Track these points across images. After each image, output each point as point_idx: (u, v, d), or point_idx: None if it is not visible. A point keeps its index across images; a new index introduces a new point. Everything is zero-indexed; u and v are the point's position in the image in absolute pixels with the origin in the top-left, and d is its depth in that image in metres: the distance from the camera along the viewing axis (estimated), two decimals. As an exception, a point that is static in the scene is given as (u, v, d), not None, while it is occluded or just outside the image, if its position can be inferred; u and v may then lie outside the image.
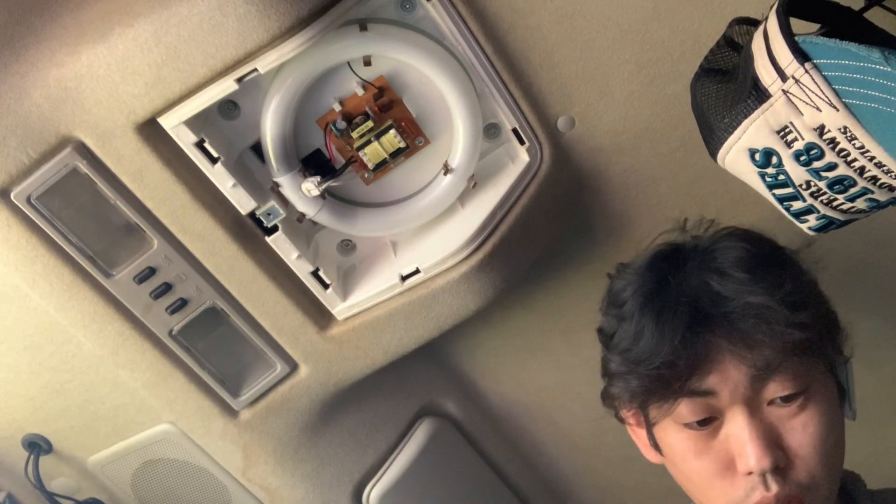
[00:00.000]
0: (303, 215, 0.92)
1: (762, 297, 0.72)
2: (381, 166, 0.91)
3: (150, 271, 0.89)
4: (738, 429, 0.72)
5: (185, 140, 0.82)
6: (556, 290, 1.15)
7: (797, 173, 0.65)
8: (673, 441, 0.76)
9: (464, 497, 1.24)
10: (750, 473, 0.71)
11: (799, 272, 0.76)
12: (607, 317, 0.81)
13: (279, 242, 0.91)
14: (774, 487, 0.71)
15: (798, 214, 0.70)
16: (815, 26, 0.70)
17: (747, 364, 0.72)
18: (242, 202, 0.88)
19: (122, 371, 0.95)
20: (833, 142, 0.61)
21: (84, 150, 0.81)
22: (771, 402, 0.72)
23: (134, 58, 0.76)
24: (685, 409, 0.73)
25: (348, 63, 0.85)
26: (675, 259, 0.79)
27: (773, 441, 0.72)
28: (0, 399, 1.00)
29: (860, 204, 0.66)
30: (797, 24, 0.63)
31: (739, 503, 0.72)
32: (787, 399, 0.72)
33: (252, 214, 0.89)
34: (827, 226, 0.70)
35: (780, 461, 0.71)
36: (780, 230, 1.01)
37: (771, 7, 0.64)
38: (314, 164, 0.91)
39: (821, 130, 0.61)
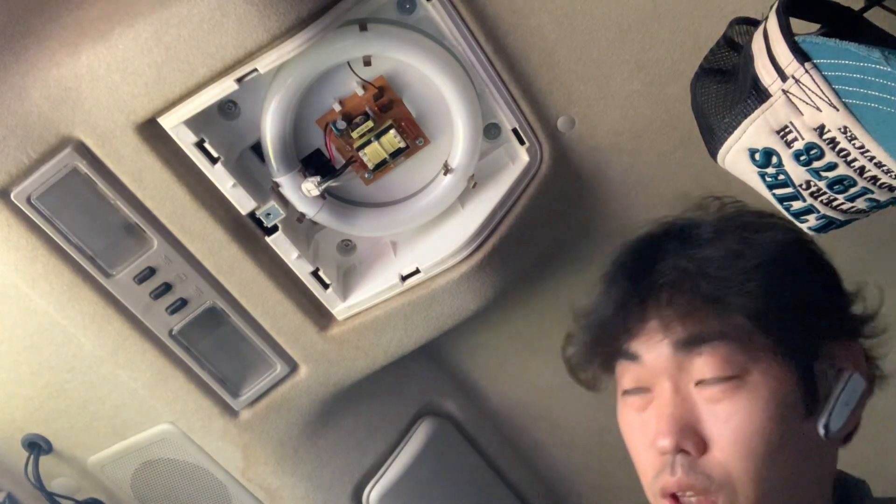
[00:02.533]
0: (303, 215, 0.92)
1: (696, 264, 0.68)
2: (381, 166, 0.91)
3: (150, 271, 0.89)
4: (656, 404, 0.69)
5: (185, 140, 0.82)
6: (556, 290, 1.15)
7: (797, 173, 0.65)
8: (619, 411, 0.75)
9: (464, 497, 1.24)
10: (664, 453, 0.67)
11: (779, 250, 0.68)
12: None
13: (279, 242, 0.91)
14: (678, 472, 0.66)
15: (798, 214, 0.70)
16: (815, 26, 0.70)
17: (669, 335, 0.68)
18: (242, 202, 0.88)
19: (122, 371, 0.95)
20: (833, 141, 0.61)
21: (84, 150, 0.81)
22: (700, 383, 0.67)
23: (134, 58, 0.76)
24: (621, 374, 0.73)
25: (348, 63, 0.85)
26: (662, 236, 0.75)
27: (686, 424, 0.67)
28: (0, 399, 1.00)
29: (860, 204, 0.66)
30: (797, 24, 0.63)
31: (652, 482, 0.69)
32: (716, 382, 0.67)
33: (252, 214, 0.89)
34: (827, 226, 0.70)
35: (687, 446, 0.66)
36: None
37: (771, 7, 0.64)
38: (314, 164, 0.91)
39: (821, 130, 0.61)
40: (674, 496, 0.67)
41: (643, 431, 0.70)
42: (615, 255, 0.77)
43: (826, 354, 0.70)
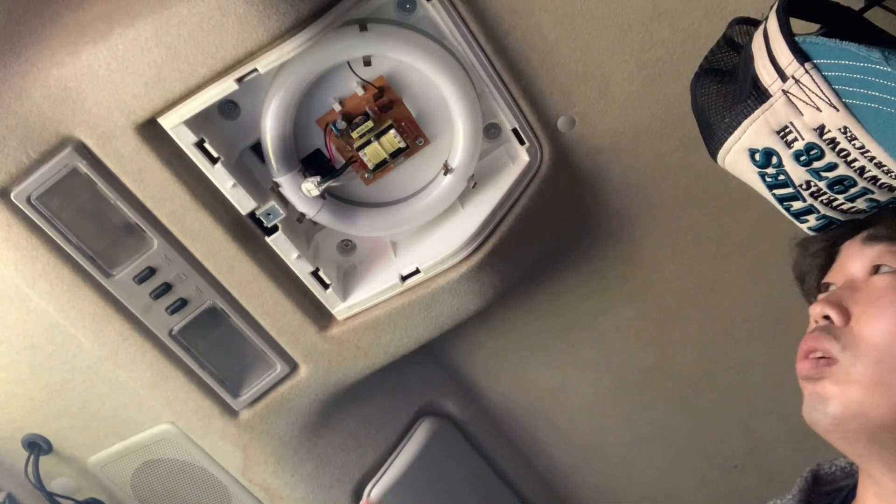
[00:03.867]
0: (303, 215, 0.92)
1: None
2: (381, 166, 0.91)
3: (150, 271, 0.89)
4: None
5: (185, 140, 0.82)
6: (556, 290, 1.15)
7: (797, 173, 0.65)
8: None
9: (464, 497, 1.24)
10: (813, 319, 0.74)
11: None
12: None
13: (279, 242, 0.91)
14: (815, 332, 0.71)
15: (798, 214, 0.70)
16: (815, 26, 0.70)
17: (863, 235, 0.74)
18: (242, 202, 0.88)
19: (122, 371, 0.95)
20: (833, 142, 0.61)
21: (84, 150, 0.81)
22: (868, 278, 0.73)
23: (134, 58, 0.76)
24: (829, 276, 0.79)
25: (348, 63, 0.85)
26: None
27: (838, 299, 0.72)
28: (0, 399, 1.00)
29: (860, 204, 0.66)
30: (797, 24, 0.63)
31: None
32: (878, 273, 0.72)
33: (252, 214, 0.89)
34: (827, 226, 0.70)
35: (830, 312, 0.71)
36: (781, 230, 1.01)
37: (771, 7, 0.64)
38: (314, 164, 0.91)
39: (821, 130, 0.61)
40: (806, 354, 0.71)
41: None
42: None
43: None
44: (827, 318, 0.72)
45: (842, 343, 0.70)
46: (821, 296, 0.76)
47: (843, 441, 0.71)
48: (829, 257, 0.81)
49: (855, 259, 0.76)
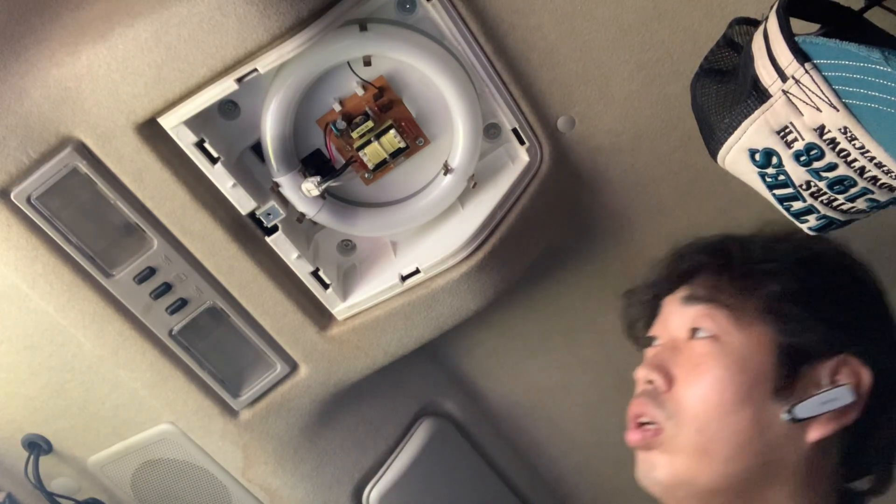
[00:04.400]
0: (303, 215, 0.92)
1: (759, 248, 0.81)
2: (381, 166, 0.91)
3: (150, 271, 0.89)
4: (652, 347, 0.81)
5: (185, 140, 0.82)
6: (556, 290, 1.15)
7: (797, 173, 0.65)
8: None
9: (464, 497, 1.24)
10: (637, 382, 0.79)
11: (817, 272, 0.80)
12: None
13: (279, 242, 0.91)
14: (641, 398, 0.76)
15: (798, 214, 0.70)
16: (815, 26, 0.70)
17: (682, 293, 0.81)
18: (242, 202, 0.88)
19: (122, 371, 0.95)
20: (833, 142, 0.61)
21: (84, 150, 0.81)
22: (687, 339, 0.78)
23: (134, 58, 0.76)
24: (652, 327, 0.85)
25: (348, 63, 0.85)
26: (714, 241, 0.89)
27: (661, 362, 0.77)
28: (0, 399, 1.00)
29: (860, 204, 0.66)
30: (797, 24, 0.63)
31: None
32: (697, 336, 0.76)
33: (252, 214, 0.89)
34: (827, 226, 0.70)
35: (654, 378, 0.76)
36: (780, 230, 1.01)
37: (771, 7, 0.64)
38: (314, 164, 0.91)
39: (821, 131, 0.61)
40: (636, 421, 0.76)
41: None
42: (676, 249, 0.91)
43: (829, 366, 0.75)
44: (651, 381, 0.76)
45: (667, 411, 0.74)
46: (646, 355, 0.80)
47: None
48: (653, 309, 0.87)
49: (675, 317, 0.80)
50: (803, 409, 0.73)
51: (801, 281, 0.78)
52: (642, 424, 0.76)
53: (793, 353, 0.75)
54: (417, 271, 0.94)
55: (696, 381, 0.74)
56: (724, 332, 0.76)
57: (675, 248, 0.89)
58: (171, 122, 0.81)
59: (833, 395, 0.75)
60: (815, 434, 0.73)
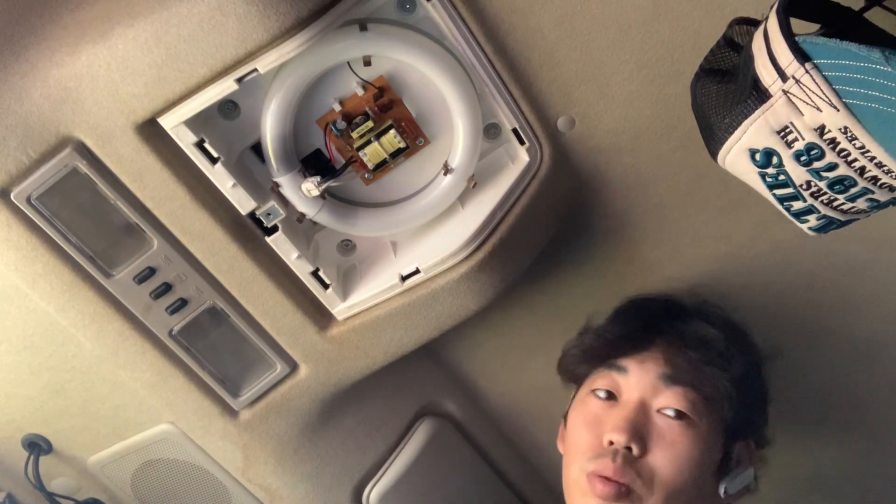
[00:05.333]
0: (303, 215, 0.92)
1: (714, 333, 0.93)
2: (381, 166, 0.91)
3: (150, 271, 0.89)
4: (624, 409, 0.89)
5: (185, 140, 0.82)
6: (555, 291, 1.15)
7: (797, 173, 0.65)
8: (578, 407, 0.95)
9: (464, 497, 1.24)
10: (610, 444, 0.86)
11: (750, 357, 0.97)
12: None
13: (279, 242, 0.91)
14: (619, 461, 0.84)
15: (798, 214, 0.70)
16: (815, 26, 0.70)
17: (659, 368, 0.90)
18: (242, 202, 0.88)
19: (122, 371, 0.95)
20: (833, 142, 0.61)
21: (84, 150, 0.81)
22: (660, 412, 0.88)
23: (134, 58, 0.76)
24: (598, 378, 0.94)
25: (348, 63, 0.85)
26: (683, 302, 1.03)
27: (639, 431, 0.86)
28: (0, 399, 1.00)
29: (860, 204, 0.66)
30: (797, 24, 0.63)
31: (586, 462, 0.87)
32: (673, 415, 0.87)
33: (252, 214, 0.89)
34: (827, 226, 0.70)
35: (637, 447, 0.85)
36: (780, 230, 1.01)
37: (771, 7, 0.64)
38: (314, 164, 0.91)
39: (821, 130, 0.61)
40: (607, 479, 0.84)
41: (597, 423, 0.90)
42: (635, 298, 1.05)
43: (744, 447, 0.95)
44: (630, 449, 0.86)
45: (642, 479, 0.85)
46: (621, 421, 0.87)
47: None
48: (602, 361, 0.98)
49: (646, 385, 0.90)
50: (732, 486, 0.91)
51: (743, 366, 0.92)
52: (613, 482, 0.85)
53: (731, 435, 0.91)
54: (417, 271, 0.94)
55: (672, 458, 0.85)
56: (698, 417, 0.88)
57: (625, 306, 1.03)
58: (171, 122, 0.81)
59: (749, 474, 0.93)
60: (733, 500, 0.93)
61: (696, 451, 0.86)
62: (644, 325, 0.96)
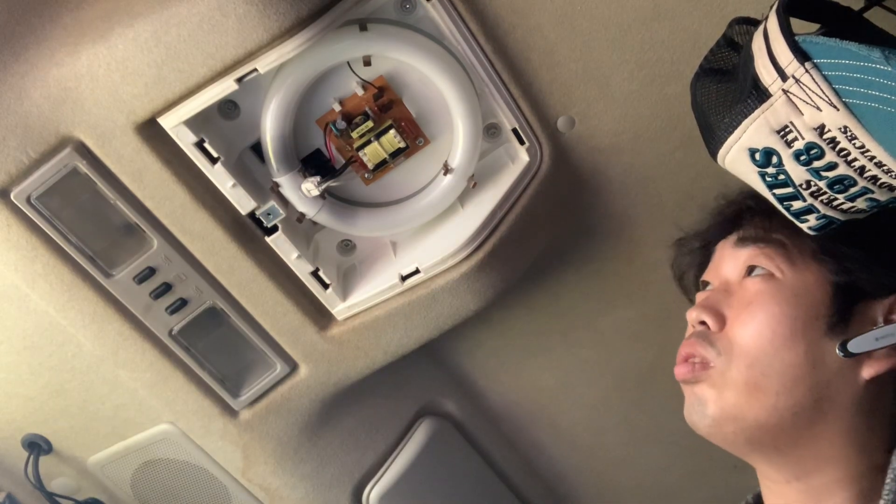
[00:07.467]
0: (303, 215, 0.92)
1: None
2: (381, 166, 0.91)
3: (150, 271, 0.89)
4: (708, 291, 0.80)
5: (185, 140, 0.82)
6: (555, 291, 1.15)
7: (797, 173, 0.65)
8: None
9: (464, 497, 1.24)
10: (690, 324, 0.78)
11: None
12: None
13: (279, 242, 0.91)
14: (692, 339, 0.75)
15: (798, 214, 0.70)
16: (815, 26, 0.70)
17: (735, 236, 0.79)
18: (242, 202, 0.88)
19: (122, 371, 0.95)
20: (833, 141, 0.61)
21: (84, 150, 0.81)
22: (741, 281, 0.76)
23: (134, 58, 0.76)
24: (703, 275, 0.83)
25: (348, 63, 0.85)
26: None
27: (713, 304, 0.76)
28: (0, 399, 1.00)
29: (860, 203, 0.66)
30: (797, 24, 0.63)
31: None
32: (749, 274, 0.75)
33: (252, 214, 0.89)
34: (827, 225, 0.70)
35: (706, 318, 0.75)
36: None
37: (771, 7, 0.64)
38: (314, 164, 0.91)
39: (821, 130, 0.61)
40: (683, 361, 0.75)
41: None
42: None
43: (885, 304, 0.73)
44: (703, 323, 0.75)
45: (717, 349, 0.73)
46: (698, 299, 0.78)
47: (724, 442, 0.74)
48: (704, 256, 0.85)
49: (728, 261, 0.79)
50: (857, 344, 0.71)
51: (855, 222, 0.74)
52: (684, 363, 0.75)
53: (847, 292, 0.73)
54: (417, 271, 0.94)
55: (749, 318, 0.73)
56: (778, 271, 0.74)
57: (724, 194, 0.87)
58: (171, 122, 0.81)
59: (888, 331, 0.72)
60: (869, 371, 0.71)
61: (778, 307, 0.72)
62: (726, 205, 0.85)
